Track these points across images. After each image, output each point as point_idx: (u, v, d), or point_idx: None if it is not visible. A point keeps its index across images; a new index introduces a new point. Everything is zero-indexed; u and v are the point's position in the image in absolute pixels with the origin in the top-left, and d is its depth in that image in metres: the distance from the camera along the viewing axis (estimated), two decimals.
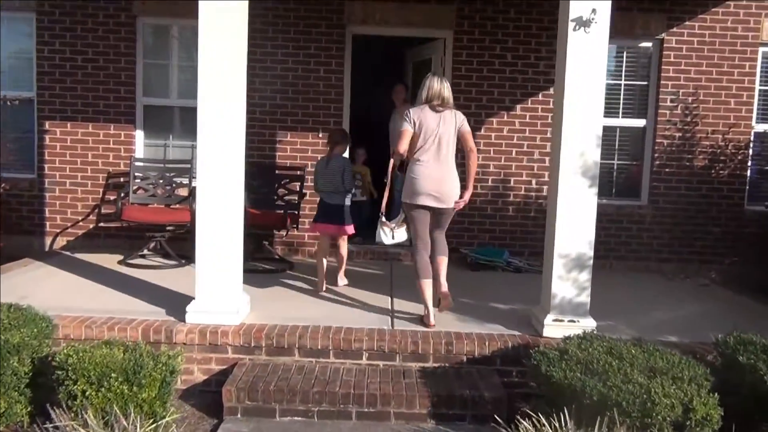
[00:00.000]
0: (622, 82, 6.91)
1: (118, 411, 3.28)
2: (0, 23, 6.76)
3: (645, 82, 6.90)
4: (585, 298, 4.40)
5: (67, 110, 6.79)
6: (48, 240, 6.88)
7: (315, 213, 5.58)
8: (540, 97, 6.77)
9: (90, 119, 6.80)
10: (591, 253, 4.38)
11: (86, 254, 6.48)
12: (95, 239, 6.86)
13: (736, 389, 3.49)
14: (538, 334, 4.40)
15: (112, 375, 3.34)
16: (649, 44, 6.85)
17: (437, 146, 4.53)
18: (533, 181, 6.85)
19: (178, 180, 6.66)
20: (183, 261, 6.09)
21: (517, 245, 6.84)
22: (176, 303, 4.63)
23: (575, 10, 4.20)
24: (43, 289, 5.18)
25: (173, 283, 5.33)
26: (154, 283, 5.42)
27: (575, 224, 4.35)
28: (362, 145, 7.40)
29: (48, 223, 6.88)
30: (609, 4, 4.21)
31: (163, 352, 3.64)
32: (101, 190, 6.84)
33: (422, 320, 4.60)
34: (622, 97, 6.92)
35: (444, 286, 4.66)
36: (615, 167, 7.01)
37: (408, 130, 4.55)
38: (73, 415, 3.32)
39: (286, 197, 6.59)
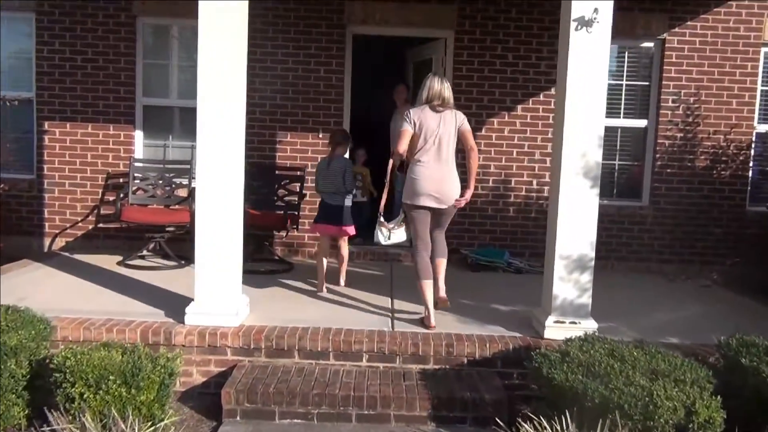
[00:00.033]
0: (624, 83, 6.89)
1: (116, 414, 3.25)
2: (0, 23, 6.73)
3: (646, 83, 6.88)
4: (586, 299, 4.38)
5: (67, 110, 6.77)
6: (47, 241, 6.86)
7: (316, 214, 5.56)
8: (541, 98, 6.74)
9: (89, 119, 6.78)
10: (592, 254, 4.36)
11: (85, 255, 6.46)
12: (94, 240, 6.84)
13: (738, 392, 3.46)
14: (539, 335, 4.38)
15: (110, 377, 3.32)
16: (650, 44, 6.82)
17: (437, 147, 4.51)
18: (534, 182, 6.83)
19: (177, 180, 6.64)
20: (182, 262, 6.07)
21: (518, 246, 6.82)
22: (175, 304, 4.61)
23: (577, 9, 4.17)
24: (42, 290, 5.16)
25: (172, 284, 5.31)
26: (153, 284, 5.39)
27: (577, 225, 4.33)
28: (362, 146, 7.37)
29: (47, 224, 6.86)
30: (611, 3, 4.18)
31: (162, 354, 3.62)
32: (100, 190, 6.82)
33: (423, 321, 4.58)
34: (623, 97, 6.89)
35: (442, 290, 4.64)
36: (616, 168, 6.98)
37: (408, 130, 4.53)
38: (70, 417, 3.30)
39: (286, 198, 6.57)
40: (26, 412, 3.55)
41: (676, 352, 3.77)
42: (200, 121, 4.31)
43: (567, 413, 3.19)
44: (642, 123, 6.91)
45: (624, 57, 6.88)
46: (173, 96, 6.93)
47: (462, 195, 4.56)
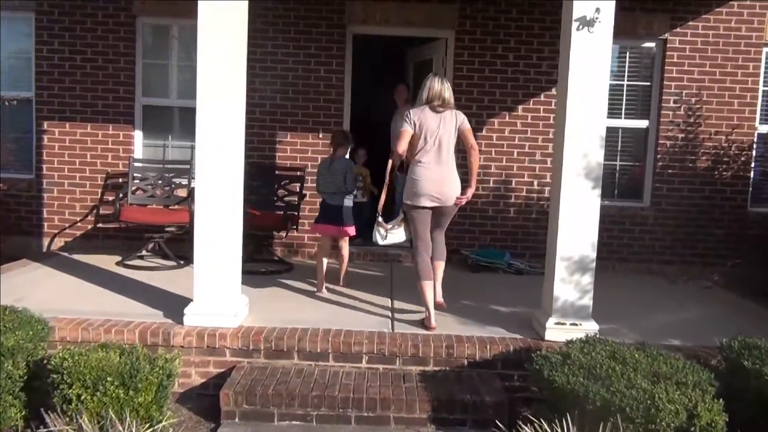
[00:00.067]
0: (625, 83, 6.86)
1: (113, 415, 3.23)
2: (0, 23, 6.71)
3: (648, 83, 6.85)
4: (587, 301, 4.35)
5: (66, 110, 6.75)
6: (46, 241, 6.84)
7: (316, 214, 5.54)
8: (542, 98, 6.72)
9: (89, 119, 6.76)
10: (594, 255, 4.33)
11: (84, 255, 6.44)
12: (93, 240, 6.82)
13: (740, 394, 3.43)
14: (540, 337, 4.35)
15: (108, 379, 3.29)
16: (652, 44, 6.80)
17: (438, 147, 4.50)
18: (535, 182, 6.80)
19: (177, 181, 6.62)
20: (181, 262, 6.05)
21: (519, 247, 6.79)
22: (174, 305, 4.58)
23: (579, 9, 4.15)
24: (41, 290, 5.13)
25: (171, 284, 5.29)
26: (152, 284, 5.38)
27: (578, 226, 4.31)
28: (363, 146, 7.35)
29: (46, 224, 6.84)
30: (613, 3, 4.16)
31: (160, 355, 3.59)
32: (100, 190, 6.80)
33: (423, 323, 4.56)
34: (624, 97, 6.87)
35: (438, 294, 4.64)
36: (617, 168, 6.96)
37: (407, 130, 4.52)
38: (68, 419, 3.28)
39: (286, 198, 6.54)
40: (23, 413, 3.52)
41: (677, 354, 3.75)
42: (200, 121, 4.29)
43: (568, 416, 3.17)
44: (643, 123, 6.88)
45: (625, 57, 6.86)
46: (173, 96, 6.91)
47: (463, 193, 4.55)
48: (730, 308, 5.59)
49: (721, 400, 3.18)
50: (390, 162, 4.71)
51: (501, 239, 6.84)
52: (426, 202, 4.52)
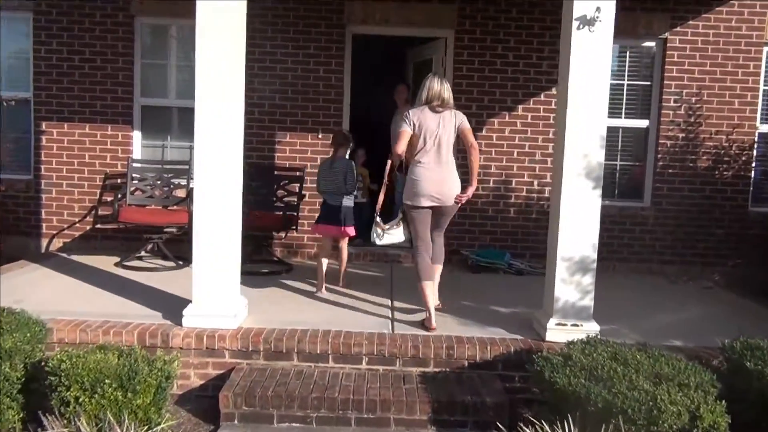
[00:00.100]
0: (625, 83, 6.84)
1: (111, 418, 3.21)
2: (0, 23, 6.69)
3: (648, 83, 6.83)
4: (588, 301, 4.33)
5: (64, 111, 6.73)
6: (44, 242, 6.81)
7: (316, 215, 5.53)
8: (542, 97, 6.70)
9: (87, 120, 6.73)
10: (595, 255, 4.31)
11: (83, 256, 6.42)
12: (92, 241, 6.80)
13: (742, 395, 3.41)
14: (541, 338, 4.33)
15: (106, 381, 3.27)
16: (652, 44, 6.78)
17: (437, 147, 4.49)
18: (535, 182, 6.78)
19: (175, 181, 6.59)
20: (180, 263, 6.02)
21: (519, 247, 6.77)
22: (173, 306, 4.56)
23: (579, 8, 4.13)
24: (39, 291, 5.11)
25: (170, 285, 5.27)
26: (150, 285, 5.35)
27: (579, 227, 4.29)
28: (362, 146, 7.33)
29: (44, 225, 6.81)
30: (613, 3, 4.14)
31: (159, 357, 3.57)
32: (98, 191, 6.77)
33: (423, 323, 4.54)
34: (624, 97, 6.85)
35: (435, 298, 4.65)
36: (617, 168, 6.94)
37: (407, 131, 4.51)
38: (65, 421, 3.26)
39: (285, 198, 6.52)
40: (21, 415, 3.50)
41: (679, 355, 3.73)
42: (198, 122, 4.27)
43: (569, 418, 3.15)
44: (643, 123, 6.86)
45: (625, 57, 6.84)
46: (172, 96, 6.89)
47: (464, 192, 4.53)
48: (730, 308, 5.57)
49: (723, 401, 3.15)
50: (389, 162, 4.69)
51: (501, 239, 6.82)
52: (426, 202, 4.50)
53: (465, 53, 6.68)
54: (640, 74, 6.86)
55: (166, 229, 6.18)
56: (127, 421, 3.23)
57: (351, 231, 5.43)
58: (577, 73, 4.20)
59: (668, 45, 6.66)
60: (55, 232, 6.81)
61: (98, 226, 6.78)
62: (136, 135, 6.83)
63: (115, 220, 6.15)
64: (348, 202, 5.39)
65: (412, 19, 6.65)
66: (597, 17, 4.09)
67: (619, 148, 6.90)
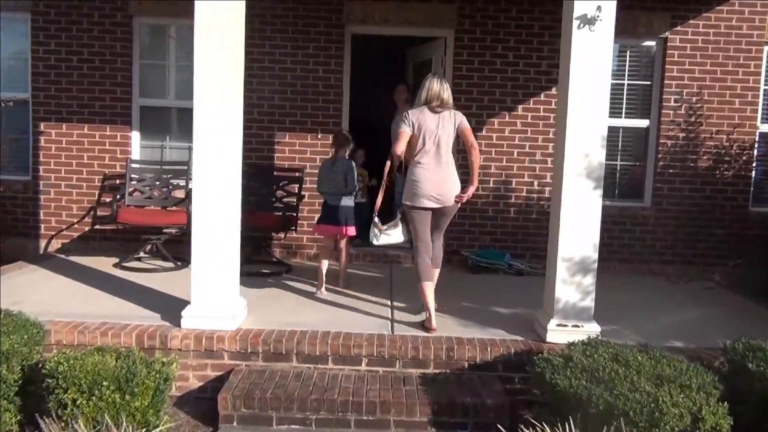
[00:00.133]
0: (625, 82, 6.82)
1: (109, 420, 3.19)
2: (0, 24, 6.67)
3: (648, 82, 6.81)
4: (589, 302, 4.31)
5: (63, 111, 6.70)
6: (43, 243, 6.79)
7: (315, 215, 5.51)
8: (542, 97, 6.67)
9: (86, 120, 6.71)
10: (595, 256, 4.30)
11: (81, 257, 6.40)
12: (90, 242, 6.77)
13: (744, 397, 3.40)
14: (541, 339, 4.31)
15: (104, 383, 3.25)
16: (652, 43, 6.75)
17: (437, 148, 4.48)
18: (535, 183, 6.76)
19: (174, 182, 6.57)
20: (179, 264, 6.00)
21: (519, 247, 6.75)
22: (172, 307, 4.54)
23: (580, 7, 4.11)
24: (37, 293, 5.09)
25: (169, 286, 5.25)
26: (149, 286, 5.33)
27: (579, 227, 4.27)
28: (361, 147, 7.31)
29: (43, 226, 6.78)
30: (614, 2, 4.12)
31: (157, 359, 3.55)
32: (97, 192, 6.74)
33: (423, 324, 4.52)
34: (625, 97, 6.82)
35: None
36: (618, 168, 6.91)
37: (406, 131, 4.50)
38: (63, 424, 3.23)
39: (285, 199, 6.50)
40: (18, 418, 3.48)
41: (680, 356, 3.71)
42: (197, 122, 4.26)
43: (570, 420, 3.12)
44: (644, 123, 6.84)
45: (625, 56, 6.81)
46: (170, 96, 6.86)
47: (465, 191, 4.51)
48: (731, 309, 5.55)
49: (725, 403, 3.14)
50: (388, 163, 4.68)
51: (501, 240, 6.79)
52: (426, 203, 4.49)
53: (465, 53, 6.66)
54: (641, 74, 6.84)
55: (165, 230, 6.16)
56: (125, 423, 3.20)
57: (352, 231, 5.43)
58: (578, 73, 4.18)
59: (668, 44, 6.64)
60: (53, 233, 6.79)
61: (97, 227, 6.75)
62: (135, 135, 6.80)
63: (114, 221, 6.13)
64: (348, 202, 5.40)
65: (412, 18, 6.62)
66: (598, 16, 4.08)
67: (620, 148, 6.88)
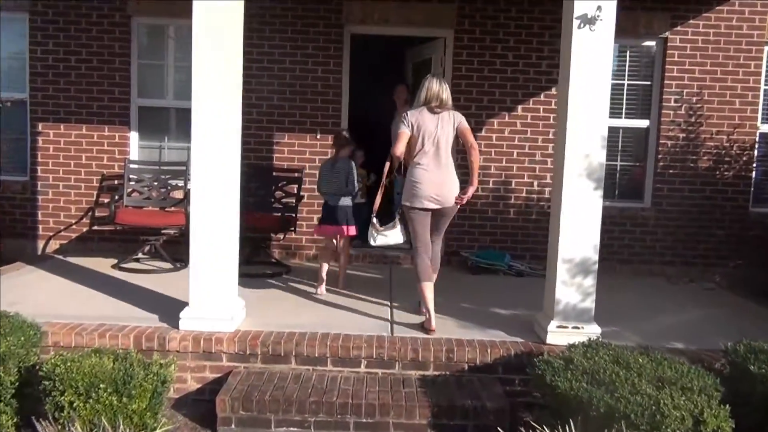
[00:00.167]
0: (625, 82, 6.79)
1: (106, 423, 3.16)
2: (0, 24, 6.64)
3: (648, 82, 6.79)
4: (590, 303, 4.29)
5: (61, 112, 6.67)
6: (41, 243, 6.76)
7: (314, 216, 5.49)
8: (542, 98, 6.65)
9: (84, 121, 6.68)
10: (596, 257, 4.27)
11: (79, 258, 6.37)
12: (89, 243, 6.74)
13: (746, 399, 3.37)
14: (542, 340, 4.29)
15: (101, 385, 3.22)
16: (652, 43, 6.73)
17: (436, 149, 4.47)
18: (535, 183, 6.74)
19: (173, 182, 6.53)
20: (178, 265, 5.98)
21: (519, 248, 6.72)
22: (170, 308, 4.52)
23: (580, 7, 4.09)
24: (34, 294, 5.06)
25: (167, 287, 5.22)
26: (147, 287, 5.30)
27: (580, 228, 4.25)
28: (361, 147, 7.28)
29: (41, 227, 6.76)
30: (614, 2, 4.10)
31: (155, 360, 3.52)
32: (95, 192, 6.71)
33: (423, 325, 4.50)
34: (625, 97, 6.80)
35: None
36: (618, 169, 6.89)
37: (405, 132, 4.49)
38: (59, 427, 3.21)
39: (284, 200, 6.48)
40: (14, 420, 3.45)
41: (681, 358, 3.70)
42: (195, 122, 4.23)
43: (571, 422, 3.10)
44: (644, 123, 6.82)
45: (625, 56, 6.79)
46: (169, 97, 6.84)
47: (464, 192, 4.49)
48: (731, 310, 5.53)
49: (727, 406, 3.11)
50: (387, 164, 4.66)
51: (501, 241, 6.77)
52: (425, 204, 4.47)
53: (464, 53, 6.64)
54: (641, 74, 6.82)
55: (163, 231, 6.15)
56: (122, 426, 3.18)
57: (353, 230, 5.44)
58: (578, 73, 4.16)
59: (669, 44, 6.62)
60: (51, 233, 6.76)
61: (95, 227, 6.72)
62: (133, 136, 6.78)
63: (112, 222, 6.10)
64: (347, 201, 5.39)
65: (411, 18, 6.60)
66: (598, 16, 4.05)
67: (620, 148, 6.86)
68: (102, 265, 6.07)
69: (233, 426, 3.68)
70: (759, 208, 6.79)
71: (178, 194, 6.48)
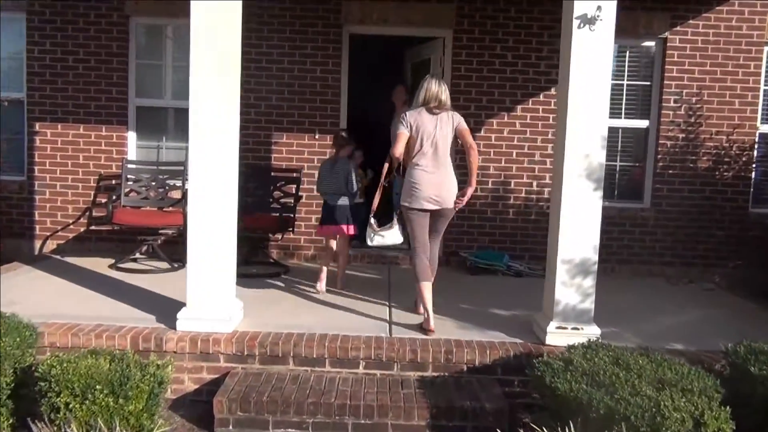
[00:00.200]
0: (625, 83, 6.78)
1: (102, 425, 3.14)
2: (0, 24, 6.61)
3: (648, 83, 6.77)
4: (589, 304, 4.27)
5: (58, 111, 6.65)
6: (38, 243, 6.73)
7: (313, 216, 5.48)
8: (541, 98, 6.63)
9: (81, 120, 6.66)
10: (596, 258, 4.26)
11: (77, 258, 6.34)
12: (86, 243, 6.72)
13: (747, 401, 3.36)
14: (541, 341, 4.27)
15: (97, 387, 3.20)
16: (652, 43, 6.72)
17: (434, 150, 4.46)
18: (534, 183, 6.72)
19: (171, 182, 6.51)
20: (176, 265, 5.95)
21: (518, 249, 6.71)
22: (167, 309, 4.49)
23: (580, 7, 4.07)
24: (31, 294, 5.03)
25: (165, 288, 5.20)
26: (145, 288, 5.28)
27: (579, 228, 4.23)
28: (359, 147, 7.26)
29: (38, 227, 6.73)
30: (614, 2, 4.09)
31: (152, 361, 3.50)
32: (92, 192, 6.68)
33: (422, 326, 4.48)
34: (624, 97, 6.78)
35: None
36: (617, 169, 6.87)
37: (404, 134, 4.48)
38: (55, 428, 3.19)
39: (282, 200, 6.45)
40: (10, 421, 3.44)
41: (681, 359, 3.68)
42: (193, 122, 4.22)
43: (571, 424, 3.08)
44: (643, 123, 6.80)
45: (625, 56, 6.78)
46: (167, 97, 6.81)
47: (463, 194, 4.49)
48: (731, 311, 5.51)
49: (728, 407, 3.09)
50: (386, 165, 4.65)
51: (500, 241, 6.75)
52: (424, 205, 4.46)
53: (463, 53, 6.62)
54: (640, 74, 6.80)
55: (161, 231, 6.11)
56: (118, 427, 3.16)
57: (353, 229, 5.43)
58: (578, 73, 4.14)
59: (668, 44, 6.61)
60: (48, 233, 6.74)
61: (92, 227, 6.69)
62: (131, 136, 6.75)
63: (110, 222, 6.07)
64: (346, 201, 5.38)
65: (410, 18, 6.58)
66: (598, 16, 4.04)
67: (619, 148, 6.84)
68: (99, 265, 6.05)
69: (231, 427, 3.66)
70: (758, 209, 6.78)
71: (176, 194, 6.45)
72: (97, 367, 3.33)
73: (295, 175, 6.51)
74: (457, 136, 4.52)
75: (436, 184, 4.45)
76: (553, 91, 6.49)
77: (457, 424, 3.65)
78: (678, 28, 6.58)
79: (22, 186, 6.72)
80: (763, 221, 6.69)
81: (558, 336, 4.20)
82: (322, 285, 5.35)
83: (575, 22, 4.09)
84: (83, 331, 4.14)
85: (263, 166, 6.65)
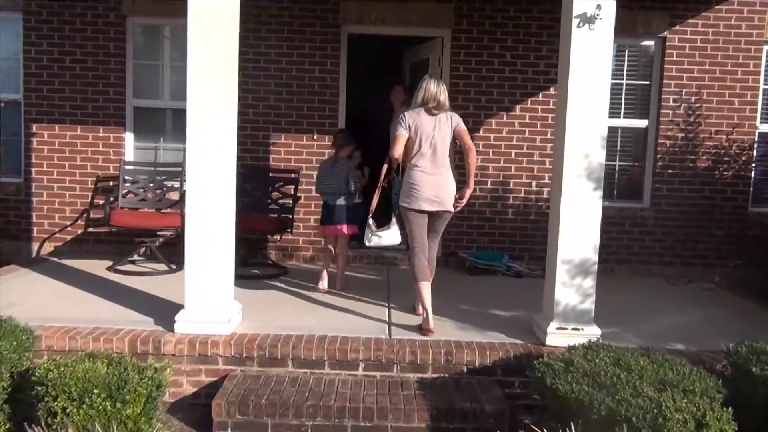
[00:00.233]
0: (624, 82, 6.76)
1: (100, 429, 3.12)
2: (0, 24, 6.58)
3: (647, 82, 6.76)
4: (589, 305, 4.25)
5: (55, 112, 6.62)
6: (35, 246, 6.70)
7: (311, 217, 5.46)
8: (540, 97, 6.62)
9: (78, 121, 6.63)
10: (596, 258, 4.24)
11: (74, 260, 6.31)
12: (84, 245, 6.69)
13: (748, 401, 3.34)
14: (541, 342, 4.25)
15: (95, 391, 3.18)
16: (651, 43, 6.70)
17: (433, 150, 4.45)
18: (533, 183, 6.70)
19: (168, 184, 6.48)
20: (174, 267, 5.92)
21: (517, 249, 6.69)
22: (165, 311, 4.46)
23: (579, 6, 4.05)
24: (28, 297, 5.00)
25: (163, 290, 5.17)
26: (143, 290, 5.26)
27: (579, 229, 4.21)
28: (357, 148, 7.24)
29: (35, 229, 6.70)
30: (614, 1, 4.06)
31: (150, 365, 3.48)
32: (90, 194, 6.63)
33: (421, 327, 4.46)
34: (623, 97, 6.77)
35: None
36: (616, 168, 6.86)
37: (403, 134, 4.47)
38: None
39: (280, 201, 6.42)
40: (7, 426, 3.41)
41: (682, 359, 3.67)
42: (190, 123, 4.19)
43: (572, 425, 3.06)
44: (643, 123, 6.79)
45: (624, 56, 6.76)
46: (165, 97, 6.79)
47: (461, 195, 4.48)
48: (731, 310, 5.50)
49: (729, 408, 3.07)
50: (385, 165, 4.64)
51: (499, 241, 6.73)
52: (423, 206, 4.45)
53: (462, 53, 6.60)
54: (639, 74, 6.79)
55: (159, 233, 6.08)
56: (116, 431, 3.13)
57: (354, 229, 5.42)
58: (578, 72, 4.12)
59: (667, 44, 6.59)
60: (46, 235, 6.71)
61: (90, 229, 6.62)
62: (129, 137, 6.73)
63: (107, 224, 6.04)
64: (348, 201, 5.38)
65: (409, 18, 6.56)
66: (597, 15, 4.02)
67: (618, 148, 6.83)
68: (97, 267, 6.02)
69: (230, 430, 3.63)
70: (758, 208, 6.77)
71: (174, 195, 6.42)
72: (95, 370, 3.30)
73: (293, 175, 6.48)
74: (455, 137, 4.50)
75: (434, 185, 4.43)
76: (552, 91, 6.47)
77: (457, 426, 3.63)
78: (677, 27, 6.57)
79: (20, 188, 6.70)
80: (763, 220, 6.68)
81: (558, 337, 4.18)
82: (323, 284, 5.35)
83: (575, 21, 4.07)
84: (81, 334, 4.11)
85: (261, 166, 6.62)
